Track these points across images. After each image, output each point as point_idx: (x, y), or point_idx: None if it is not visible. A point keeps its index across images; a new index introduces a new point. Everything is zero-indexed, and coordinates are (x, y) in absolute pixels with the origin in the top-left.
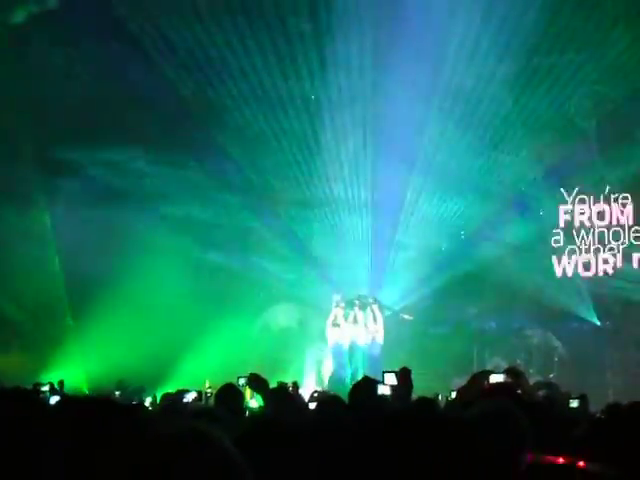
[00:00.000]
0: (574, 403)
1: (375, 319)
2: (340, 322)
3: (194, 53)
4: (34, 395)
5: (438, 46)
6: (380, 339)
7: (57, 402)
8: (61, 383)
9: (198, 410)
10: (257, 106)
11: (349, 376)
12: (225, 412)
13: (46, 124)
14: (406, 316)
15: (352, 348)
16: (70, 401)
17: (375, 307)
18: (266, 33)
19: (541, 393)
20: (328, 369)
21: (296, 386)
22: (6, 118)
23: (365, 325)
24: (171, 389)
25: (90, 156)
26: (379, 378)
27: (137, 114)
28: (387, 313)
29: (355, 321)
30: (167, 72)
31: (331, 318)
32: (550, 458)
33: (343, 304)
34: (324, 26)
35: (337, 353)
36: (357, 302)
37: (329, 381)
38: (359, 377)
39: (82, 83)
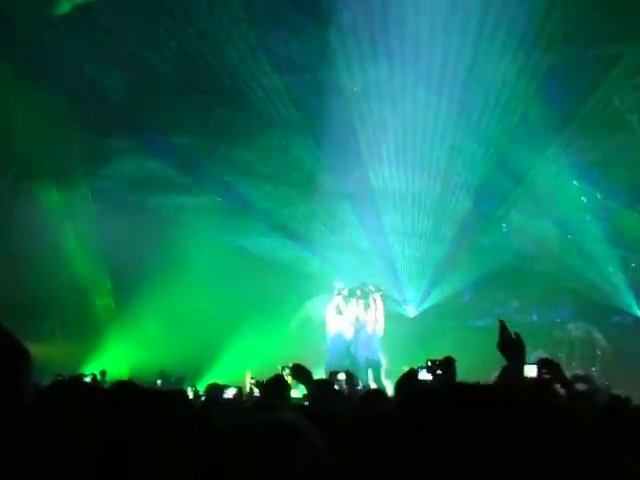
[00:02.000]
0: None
1: (376, 309)
2: (342, 310)
3: (224, 39)
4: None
5: (481, 37)
6: (380, 330)
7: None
8: (103, 373)
9: (257, 402)
10: (303, 95)
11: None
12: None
13: (92, 110)
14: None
15: (354, 337)
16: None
17: (377, 296)
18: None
19: (580, 387)
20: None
21: (350, 375)
22: (54, 102)
23: (365, 314)
24: (212, 380)
25: (131, 142)
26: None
27: (176, 100)
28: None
29: (356, 309)
30: (202, 56)
31: (332, 305)
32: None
33: (345, 292)
34: (372, 18)
35: (337, 342)
36: (359, 291)
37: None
38: (360, 366)
39: (123, 72)
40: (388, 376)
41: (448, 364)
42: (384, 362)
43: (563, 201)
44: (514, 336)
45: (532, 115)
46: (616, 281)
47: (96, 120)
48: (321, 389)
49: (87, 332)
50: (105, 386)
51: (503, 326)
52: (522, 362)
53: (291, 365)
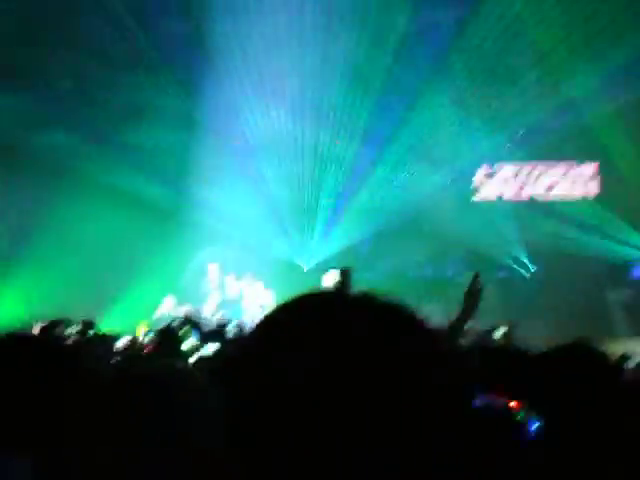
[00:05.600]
0: (500, 331)
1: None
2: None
3: None
4: None
5: None
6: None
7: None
8: None
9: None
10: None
11: None
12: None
13: None
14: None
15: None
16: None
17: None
18: None
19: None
20: None
21: (240, 325)
22: None
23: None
24: (106, 329)
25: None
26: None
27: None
28: None
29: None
30: None
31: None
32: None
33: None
34: None
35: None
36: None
37: None
38: None
39: None
40: None
41: (345, 275)
42: None
43: (456, 157)
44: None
45: (431, 68)
46: (505, 237)
47: None
48: (212, 338)
49: None
50: None
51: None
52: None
53: (182, 316)
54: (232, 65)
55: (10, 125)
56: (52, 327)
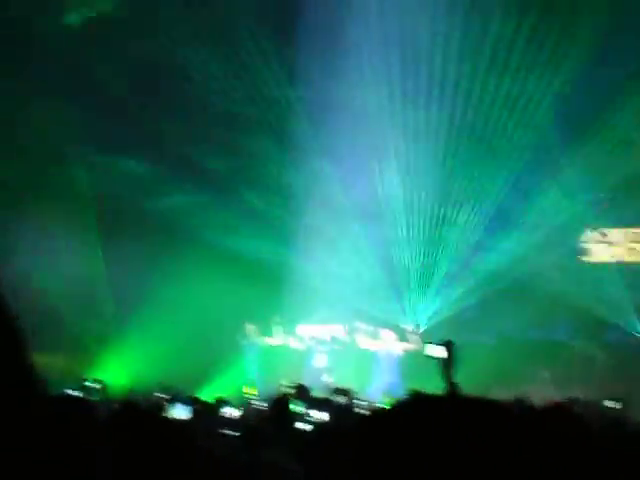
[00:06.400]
0: (609, 403)
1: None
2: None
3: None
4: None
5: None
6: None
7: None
8: (103, 388)
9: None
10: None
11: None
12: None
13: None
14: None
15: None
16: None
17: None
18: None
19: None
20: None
21: (350, 394)
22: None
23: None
24: (211, 392)
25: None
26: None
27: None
28: None
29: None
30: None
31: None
32: None
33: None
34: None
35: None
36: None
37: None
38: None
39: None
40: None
41: (449, 347)
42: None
43: (568, 223)
44: None
45: (539, 135)
46: (618, 300)
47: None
48: (320, 405)
49: (89, 343)
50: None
51: None
52: None
53: (294, 384)
54: (343, 130)
55: (124, 190)
56: (161, 404)
